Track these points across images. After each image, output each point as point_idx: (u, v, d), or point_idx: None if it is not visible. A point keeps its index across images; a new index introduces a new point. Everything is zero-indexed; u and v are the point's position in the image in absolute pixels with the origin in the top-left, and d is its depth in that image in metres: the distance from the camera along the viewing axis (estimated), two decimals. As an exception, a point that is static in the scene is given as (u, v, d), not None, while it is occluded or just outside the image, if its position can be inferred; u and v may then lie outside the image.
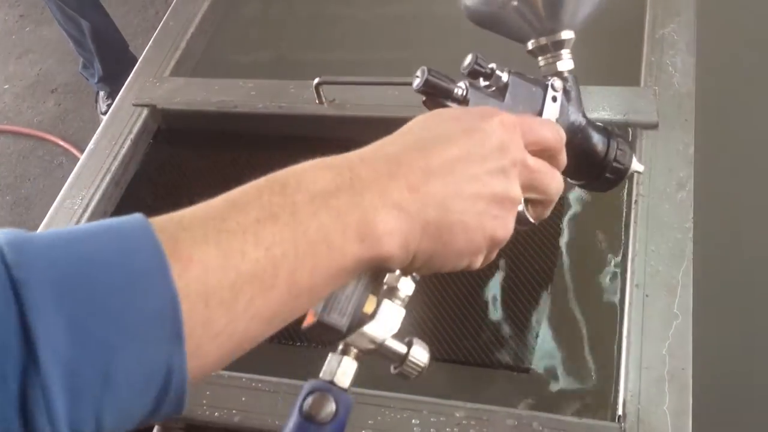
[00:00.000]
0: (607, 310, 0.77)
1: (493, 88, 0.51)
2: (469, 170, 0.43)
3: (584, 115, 0.57)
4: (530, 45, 0.59)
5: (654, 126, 0.85)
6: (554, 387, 0.73)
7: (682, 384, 0.66)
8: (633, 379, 0.67)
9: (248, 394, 0.74)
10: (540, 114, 0.53)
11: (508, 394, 0.73)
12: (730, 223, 0.84)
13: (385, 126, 0.98)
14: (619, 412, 0.66)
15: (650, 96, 0.87)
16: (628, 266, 0.75)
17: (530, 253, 0.82)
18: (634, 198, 0.80)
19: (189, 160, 1.03)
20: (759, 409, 0.72)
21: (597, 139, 0.58)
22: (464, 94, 0.48)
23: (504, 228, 0.44)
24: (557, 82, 0.54)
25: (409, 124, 0.46)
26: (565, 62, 0.58)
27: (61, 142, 2.46)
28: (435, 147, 0.43)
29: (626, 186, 0.85)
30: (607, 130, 0.59)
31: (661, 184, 0.80)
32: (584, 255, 0.82)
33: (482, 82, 0.51)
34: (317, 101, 0.97)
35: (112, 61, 2.34)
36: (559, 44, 0.58)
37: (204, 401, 0.74)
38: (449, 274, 0.81)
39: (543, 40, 0.58)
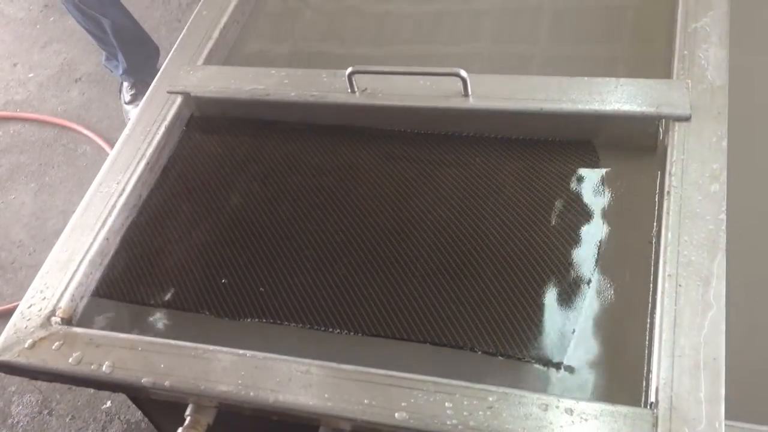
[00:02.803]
0: (639, 299, 0.77)
1: None
2: None
3: None
4: None
5: (686, 118, 0.85)
6: (587, 373, 0.74)
7: (715, 372, 0.67)
8: (665, 367, 0.68)
9: (283, 374, 0.75)
10: None
11: (540, 379, 0.74)
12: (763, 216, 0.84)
13: (416, 116, 1.01)
14: (652, 399, 0.67)
15: (683, 89, 0.88)
16: (660, 256, 0.76)
17: (564, 246, 0.83)
18: (666, 189, 0.80)
19: (221, 146, 1.05)
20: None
21: None
22: None
23: None
24: None
25: None
26: None
27: (85, 131, 2.49)
28: None
29: (658, 178, 0.85)
30: None
31: (694, 176, 0.80)
32: (617, 246, 0.82)
33: None
34: (349, 90, 0.98)
35: (135, 54, 2.36)
36: None
37: (239, 381, 0.76)
38: (488, 269, 0.81)
39: None
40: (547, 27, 1.10)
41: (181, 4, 2.83)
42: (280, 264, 0.88)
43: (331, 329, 0.81)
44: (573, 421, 0.67)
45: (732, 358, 0.67)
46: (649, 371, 0.70)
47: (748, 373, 0.71)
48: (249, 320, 0.84)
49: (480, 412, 0.69)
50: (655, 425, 0.65)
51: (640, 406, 0.68)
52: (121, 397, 1.66)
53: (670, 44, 0.95)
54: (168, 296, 0.89)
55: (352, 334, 0.80)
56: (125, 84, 2.47)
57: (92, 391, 1.74)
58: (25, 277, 2.12)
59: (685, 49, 0.92)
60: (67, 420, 1.80)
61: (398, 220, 0.89)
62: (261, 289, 0.86)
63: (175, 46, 1.15)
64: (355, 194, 0.94)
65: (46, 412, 1.82)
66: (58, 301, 0.87)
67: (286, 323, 0.82)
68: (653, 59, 0.98)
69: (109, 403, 1.79)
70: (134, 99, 2.42)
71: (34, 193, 2.37)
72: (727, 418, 0.65)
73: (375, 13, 1.22)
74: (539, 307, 0.78)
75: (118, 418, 1.76)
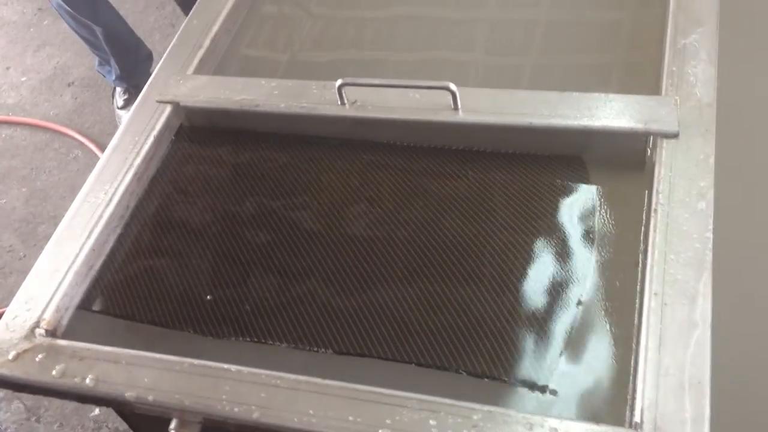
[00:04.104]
0: (626, 318, 0.77)
1: None
2: None
3: None
4: None
5: (674, 135, 0.85)
6: (571, 393, 0.74)
7: (700, 393, 0.67)
8: (650, 387, 0.68)
9: (267, 390, 0.75)
10: None
11: (525, 397, 0.74)
12: (752, 232, 0.84)
13: (406, 128, 1.00)
14: (636, 419, 0.67)
15: (671, 105, 0.88)
16: (646, 274, 0.76)
17: (552, 264, 0.83)
18: (653, 207, 0.80)
19: (210, 157, 1.05)
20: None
21: None
22: None
23: None
24: None
25: None
26: None
27: (77, 136, 2.48)
28: None
29: (645, 195, 0.85)
30: None
31: (681, 194, 0.80)
32: (604, 263, 0.82)
33: None
34: (339, 102, 0.98)
35: (128, 60, 2.35)
36: None
37: (223, 396, 0.75)
38: (474, 288, 0.81)
39: None
40: (539, 40, 1.11)
41: (176, 10, 2.82)
42: (267, 281, 0.88)
43: (316, 349, 0.81)
44: (557, 441, 0.67)
45: (719, 377, 0.67)
46: (634, 391, 0.70)
47: (735, 393, 0.71)
48: (233, 339, 0.84)
49: (464, 431, 0.68)
50: (639, 446, 0.65)
51: (624, 426, 0.68)
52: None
53: (660, 60, 0.95)
54: (152, 312, 0.88)
55: (337, 354, 0.80)
56: (118, 89, 2.46)
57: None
58: (15, 283, 2.11)
59: (673, 65, 0.92)
60: (55, 427, 1.78)
61: (385, 236, 0.89)
62: (246, 307, 0.86)
63: (165, 54, 1.14)
64: (343, 210, 0.93)
65: (33, 419, 1.81)
66: (43, 312, 0.86)
67: (270, 343, 0.82)
68: (644, 75, 0.98)
69: (97, 411, 1.78)
70: (127, 104, 2.41)
71: (26, 198, 2.36)
72: (711, 438, 0.65)
73: (369, 23, 1.22)
74: (526, 329, 0.78)
75: (107, 426, 1.75)
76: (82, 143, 2.46)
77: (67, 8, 2.13)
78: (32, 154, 2.50)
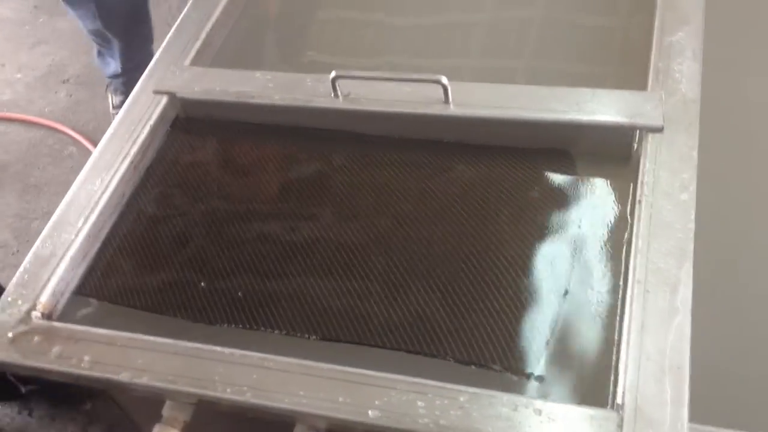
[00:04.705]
0: (609, 304, 0.79)
1: None
2: None
3: None
4: None
5: (659, 129, 0.87)
6: (556, 377, 0.75)
7: (680, 376, 0.69)
8: (632, 371, 0.70)
9: (259, 372, 0.76)
10: None
11: (510, 380, 0.76)
12: (732, 224, 0.86)
13: (398, 121, 1.02)
14: (618, 401, 0.69)
15: (656, 100, 0.90)
16: (630, 262, 0.78)
17: (539, 254, 0.85)
18: (637, 198, 0.83)
19: (205, 148, 1.06)
20: (755, 402, 0.75)
21: None
22: None
23: None
24: None
25: None
26: None
27: (72, 132, 2.48)
28: None
29: (630, 186, 0.87)
30: None
31: (665, 186, 0.83)
32: (590, 253, 0.84)
33: None
34: (333, 95, 1.00)
35: (133, 63, 2.35)
36: None
37: (216, 377, 0.77)
38: (461, 276, 0.83)
39: None
40: (531, 41, 1.13)
41: (171, 9, 2.84)
42: (258, 268, 0.89)
43: (307, 335, 0.82)
44: (541, 422, 0.68)
45: (698, 362, 0.69)
46: (616, 375, 0.71)
47: (714, 377, 0.73)
48: (226, 326, 0.85)
49: (451, 412, 0.70)
50: (620, 426, 0.67)
51: (607, 407, 0.70)
52: (102, 397, 1.66)
53: (647, 57, 0.97)
54: (146, 298, 0.89)
55: (327, 341, 0.81)
56: (113, 87, 2.46)
57: (73, 391, 1.74)
58: (8, 278, 2.09)
59: (660, 62, 0.95)
60: (47, 421, 1.79)
61: (375, 225, 0.91)
62: (239, 293, 0.87)
63: (162, 46, 1.16)
64: (333, 200, 0.95)
65: (26, 412, 1.81)
66: (39, 296, 0.87)
67: (262, 329, 0.83)
68: (631, 73, 1.01)
69: (90, 405, 1.78)
70: (122, 104, 2.40)
71: (19, 193, 2.37)
72: (691, 420, 0.66)
73: (365, 22, 1.24)
74: (513, 317, 0.79)
75: (98, 419, 1.76)
76: (76, 140, 2.47)
77: (99, 27, 2.13)
78: (26, 151, 2.50)
